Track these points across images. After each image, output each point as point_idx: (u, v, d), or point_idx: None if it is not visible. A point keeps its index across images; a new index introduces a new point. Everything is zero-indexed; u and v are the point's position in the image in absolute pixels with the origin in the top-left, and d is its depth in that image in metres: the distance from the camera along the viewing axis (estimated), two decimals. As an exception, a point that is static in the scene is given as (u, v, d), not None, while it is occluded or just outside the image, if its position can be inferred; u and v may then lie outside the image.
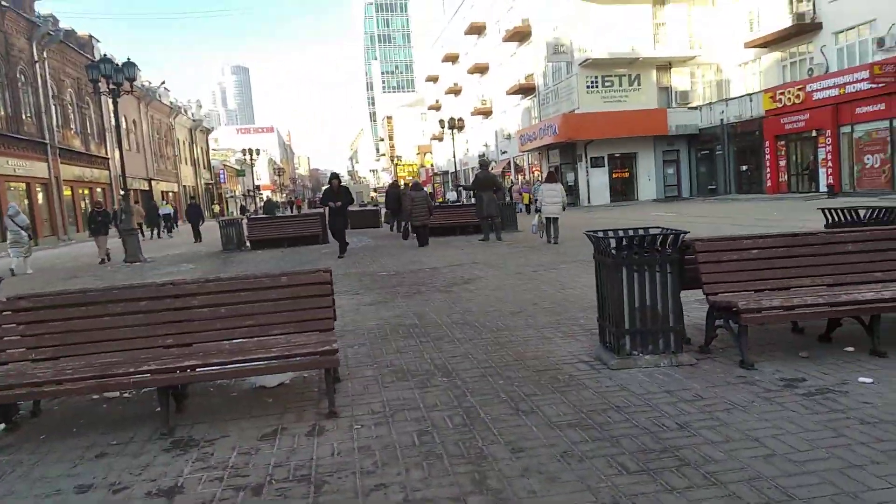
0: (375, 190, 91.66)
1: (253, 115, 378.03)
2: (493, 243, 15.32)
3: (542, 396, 4.08)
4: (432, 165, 77.70)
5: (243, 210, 55.13)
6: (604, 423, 3.56)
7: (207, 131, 69.30)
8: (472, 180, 15.88)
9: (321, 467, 3.28)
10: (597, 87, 33.65)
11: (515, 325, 6.27)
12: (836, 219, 5.87)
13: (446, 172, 67.94)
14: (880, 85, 21.77)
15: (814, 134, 26.41)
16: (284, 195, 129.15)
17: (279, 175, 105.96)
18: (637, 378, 4.22)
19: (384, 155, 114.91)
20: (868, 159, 24.17)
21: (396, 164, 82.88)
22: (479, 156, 46.90)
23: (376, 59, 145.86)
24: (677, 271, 4.35)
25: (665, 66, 34.20)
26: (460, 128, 30.12)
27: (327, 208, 13.89)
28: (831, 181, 25.23)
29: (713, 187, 33.69)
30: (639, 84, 33.99)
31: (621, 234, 4.59)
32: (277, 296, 4.46)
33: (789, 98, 26.93)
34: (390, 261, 12.80)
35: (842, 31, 26.19)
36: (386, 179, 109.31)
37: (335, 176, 14.47)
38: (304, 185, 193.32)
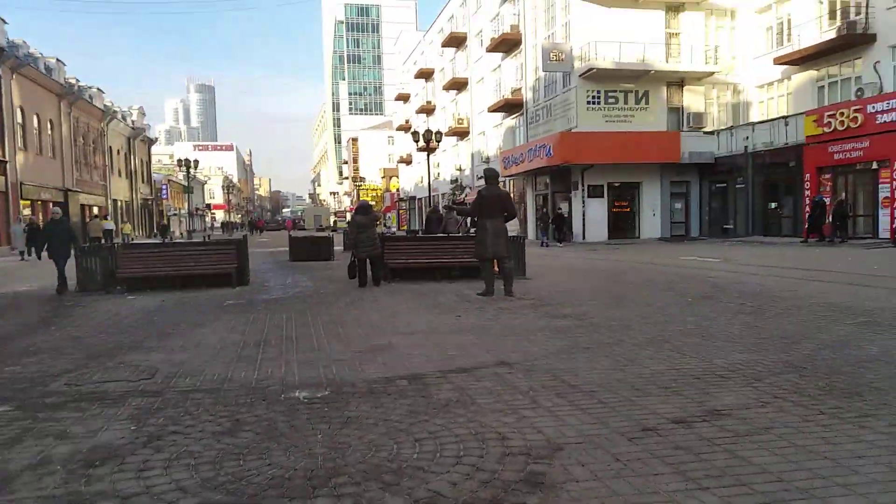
0: (336, 213, 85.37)
1: (216, 134, 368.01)
2: (503, 301, 9.56)
3: None
4: (398, 190, 72.03)
5: (164, 230, 47.78)
6: None
7: (150, 142, 62.46)
8: (474, 201, 10.16)
9: None
10: (599, 103, 28.50)
11: None
12: None
13: (413, 198, 62.31)
14: None
15: (874, 166, 21.55)
16: (240, 216, 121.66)
17: (230, 192, 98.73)
18: None
19: (347, 178, 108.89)
20: (951, 200, 19.32)
21: (359, 188, 76.83)
22: (483, 161, 40.52)
23: (344, 79, 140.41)
24: None
25: (677, 82, 29.30)
26: (438, 141, 24.69)
27: None
28: (896, 225, 20.30)
29: (729, 227, 28.66)
30: (647, 102, 28.98)
31: None
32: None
33: (842, 122, 22.07)
34: (331, 337, 6.87)
35: (906, 44, 21.66)
36: (347, 203, 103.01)
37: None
38: (263, 207, 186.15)
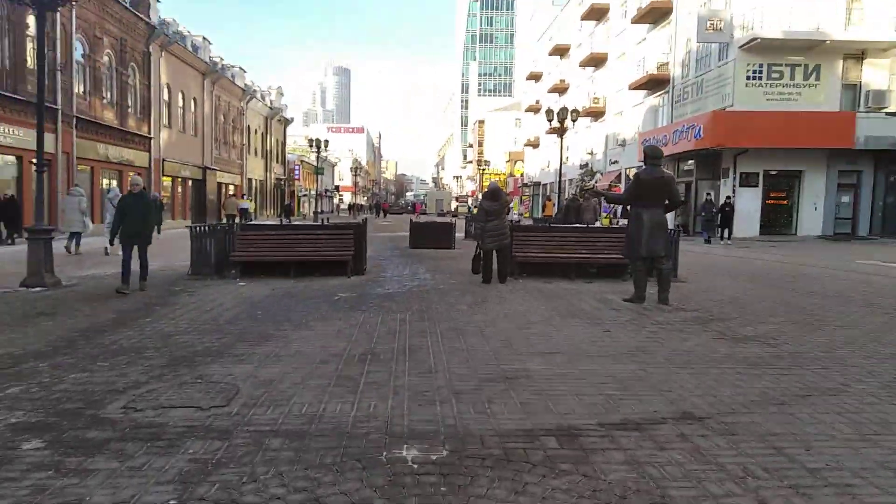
0: (458, 198, 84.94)
1: (349, 116, 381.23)
2: (658, 311, 7.86)
3: None
4: (522, 175, 70.13)
5: (286, 211, 42.88)
6: None
7: (286, 122, 64.62)
8: (629, 185, 8.47)
9: None
10: (760, 78, 25.23)
11: None
12: None
13: (538, 183, 60.21)
14: None
15: None
16: (366, 198, 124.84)
17: (357, 174, 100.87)
18: None
19: (471, 162, 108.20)
20: None
21: (483, 171, 75.75)
22: (619, 145, 37.88)
23: (475, 59, 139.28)
24: None
25: (856, 55, 25.35)
26: (574, 120, 22.79)
27: None
28: None
29: (910, 226, 24.56)
30: (817, 78, 25.30)
31: None
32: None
33: None
34: (451, 352, 5.59)
35: None
36: (470, 187, 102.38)
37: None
38: (388, 190, 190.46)
